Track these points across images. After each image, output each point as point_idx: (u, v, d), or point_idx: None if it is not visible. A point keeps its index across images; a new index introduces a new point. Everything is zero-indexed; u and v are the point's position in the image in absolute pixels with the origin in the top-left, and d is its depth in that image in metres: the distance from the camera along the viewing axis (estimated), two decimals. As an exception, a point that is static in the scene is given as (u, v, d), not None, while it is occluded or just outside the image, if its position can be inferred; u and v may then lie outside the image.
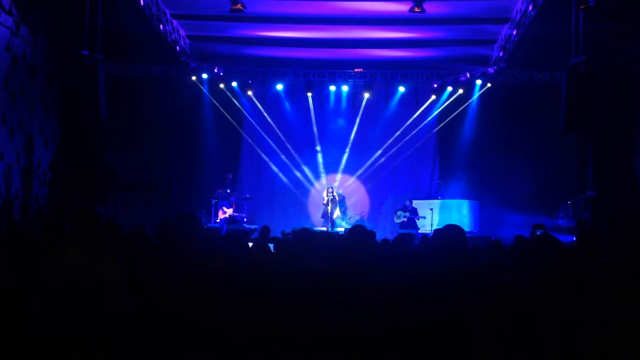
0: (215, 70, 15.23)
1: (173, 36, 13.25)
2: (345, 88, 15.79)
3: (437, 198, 15.03)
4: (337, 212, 14.85)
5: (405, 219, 14.22)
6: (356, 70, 15.47)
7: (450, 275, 2.66)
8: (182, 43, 14.01)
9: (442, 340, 2.22)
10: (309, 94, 15.64)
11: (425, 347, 2.22)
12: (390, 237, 11.93)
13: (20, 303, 2.55)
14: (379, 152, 15.88)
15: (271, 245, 4.97)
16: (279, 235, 10.72)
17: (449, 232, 3.09)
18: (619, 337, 2.49)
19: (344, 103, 16.09)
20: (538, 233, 8.95)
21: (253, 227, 13.52)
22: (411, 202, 14.41)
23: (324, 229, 14.14)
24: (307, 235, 3.81)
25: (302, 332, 2.26)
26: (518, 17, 11.82)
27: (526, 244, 5.07)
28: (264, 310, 2.44)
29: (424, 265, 2.85)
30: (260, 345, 2.29)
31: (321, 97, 15.98)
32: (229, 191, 14.73)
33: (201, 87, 15.36)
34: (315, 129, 15.93)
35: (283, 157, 15.93)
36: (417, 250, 4.67)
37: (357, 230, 3.71)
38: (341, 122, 16.04)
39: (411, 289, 2.51)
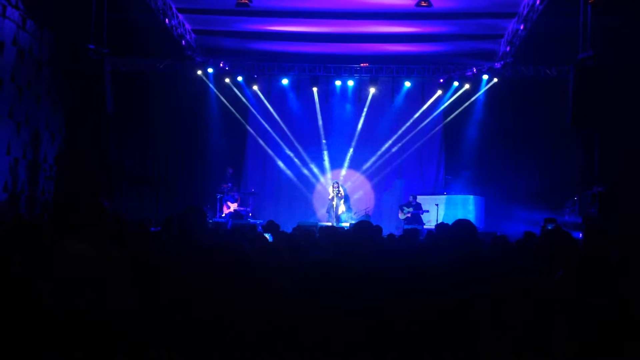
0: (221, 65, 15.22)
1: (179, 30, 13.23)
2: (350, 83, 15.75)
3: (442, 193, 15.00)
4: (342, 207, 14.83)
5: (409, 215, 14.19)
6: (362, 65, 15.43)
7: (458, 269, 2.64)
8: (188, 37, 13.99)
9: (448, 333, 2.21)
10: (315, 89, 15.61)
11: (431, 340, 2.21)
12: (396, 232, 11.94)
13: (27, 296, 2.55)
14: (385, 147, 15.84)
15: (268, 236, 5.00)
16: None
17: (460, 226, 3.07)
18: (628, 334, 2.47)
19: (349, 98, 16.06)
20: (549, 228, 8.86)
21: (258, 221, 13.52)
22: (415, 197, 14.38)
23: (329, 224, 14.14)
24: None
25: (307, 325, 2.25)
26: (525, 11, 11.75)
27: (536, 240, 5.04)
28: (270, 304, 2.43)
29: (430, 259, 2.83)
30: (267, 339, 2.28)
31: (327, 92, 15.95)
32: (230, 185, 14.73)
33: (207, 81, 15.35)
34: (320, 123, 15.90)
35: (288, 151, 15.92)
36: (423, 245, 4.66)
37: (362, 225, 3.70)
38: (349, 107, 15.97)
39: (417, 282, 2.49)
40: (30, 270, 2.84)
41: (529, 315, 2.44)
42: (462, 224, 3.17)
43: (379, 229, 5.37)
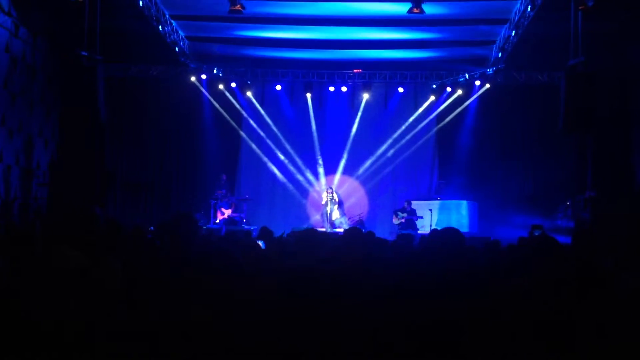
0: (215, 71, 15.23)
1: (172, 37, 13.25)
2: (344, 89, 15.79)
3: (436, 198, 15.05)
4: (336, 213, 14.83)
5: (403, 220, 14.21)
6: (355, 71, 15.48)
7: (447, 276, 2.66)
8: (181, 44, 14.01)
9: (436, 341, 2.23)
10: (308, 95, 15.64)
11: (418, 348, 2.22)
12: (390, 237, 11.95)
13: (18, 304, 2.56)
14: (378, 152, 15.88)
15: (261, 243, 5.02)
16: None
17: (445, 235, 3.10)
18: (619, 341, 2.49)
19: (343, 104, 16.10)
20: (536, 234, 8.94)
21: (252, 227, 13.51)
22: (410, 203, 14.41)
23: (323, 229, 14.14)
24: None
25: (297, 332, 2.27)
26: (517, 17, 11.83)
27: (524, 245, 5.08)
28: (262, 310, 2.45)
29: (420, 267, 2.85)
30: (258, 345, 2.30)
31: (320, 98, 15.99)
32: (223, 192, 14.72)
33: (200, 87, 15.35)
34: (314, 129, 15.93)
35: (282, 157, 15.93)
36: (415, 252, 4.69)
37: (352, 232, 3.73)
38: (342, 112, 15.95)
39: (407, 289, 2.51)
40: (21, 278, 2.85)
41: (517, 322, 2.47)
42: (447, 233, 3.20)
43: (370, 234, 5.40)
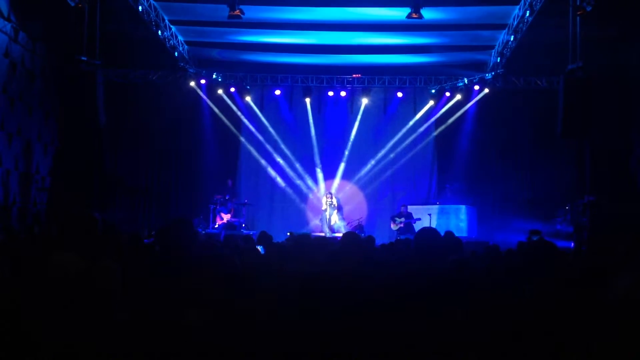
0: (214, 76, 15.25)
1: (171, 42, 13.28)
2: (343, 94, 15.81)
3: (435, 203, 15.05)
4: (335, 218, 14.83)
5: (402, 225, 14.21)
6: (354, 75, 15.51)
7: (446, 281, 2.66)
8: (181, 49, 14.04)
9: (430, 345, 2.23)
10: (307, 100, 15.66)
11: (419, 350, 2.22)
12: (389, 242, 11.94)
13: (17, 308, 2.55)
14: (378, 157, 15.90)
15: (260, 248, 5.02)
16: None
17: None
18: (619, 342, 2.49)
19: (342, 109, 16.12)
20: (534, 239, 8.94)
21: (251, 232, 13.50)
22: (406, 207, 14.41)
23: (322, 234, 14.14)
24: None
25: (294, 335, 2.27)
26: (515, 23, 11.88)
27: (523, 250, 5.08)
28: (261, 315, 2.45)
29: (414, 270, 2.86)
30: (257, 349, 2.30)
31: (319, 103, 16.02)
32: (228, 197, 14.72)
33: (199, 92, 15.37)
34: (313, 134, 15.95)
35: (281, 162, 15.94)
36: (410, 255, 4.69)
37: (349, 237, 3.73)
38: (341, 117, 15.98)
39: (398, 292, 2.51)
40: (20, 281, 2.84)
41: (516, 325, 2.46)
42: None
43: (371, 239, 5.40)
